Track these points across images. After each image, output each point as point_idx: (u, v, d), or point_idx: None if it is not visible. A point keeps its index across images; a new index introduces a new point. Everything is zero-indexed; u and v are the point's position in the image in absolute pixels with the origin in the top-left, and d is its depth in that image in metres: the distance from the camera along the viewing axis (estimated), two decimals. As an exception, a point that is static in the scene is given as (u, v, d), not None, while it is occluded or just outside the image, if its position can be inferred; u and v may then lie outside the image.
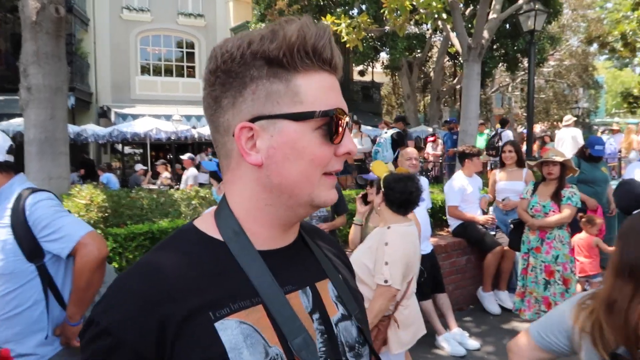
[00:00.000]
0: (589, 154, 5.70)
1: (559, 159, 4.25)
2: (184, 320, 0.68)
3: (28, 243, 1.83)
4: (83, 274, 1.86)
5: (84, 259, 1.86)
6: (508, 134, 11.87)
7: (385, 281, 2.62)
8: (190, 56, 19.98)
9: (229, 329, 0.70)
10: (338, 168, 0.78)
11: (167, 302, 0.69)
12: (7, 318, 1.83)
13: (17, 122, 11.66)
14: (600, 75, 29.04)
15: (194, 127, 15.47)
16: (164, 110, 16.10)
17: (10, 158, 1.95)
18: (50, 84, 4.94)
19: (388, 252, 2.66)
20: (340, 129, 0.76)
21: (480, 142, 10.62)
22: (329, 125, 0.75)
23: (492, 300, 5.22)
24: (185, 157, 11.05)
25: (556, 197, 4.25)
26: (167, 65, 19.67)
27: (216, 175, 2.93)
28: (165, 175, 11.69)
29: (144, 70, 19.20)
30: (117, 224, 4.10)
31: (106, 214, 4.11)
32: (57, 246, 1.85)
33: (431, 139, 12.79)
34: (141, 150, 19.08)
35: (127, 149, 19.83)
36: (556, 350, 1.49)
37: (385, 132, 10.07)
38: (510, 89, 26.90)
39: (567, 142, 9.52)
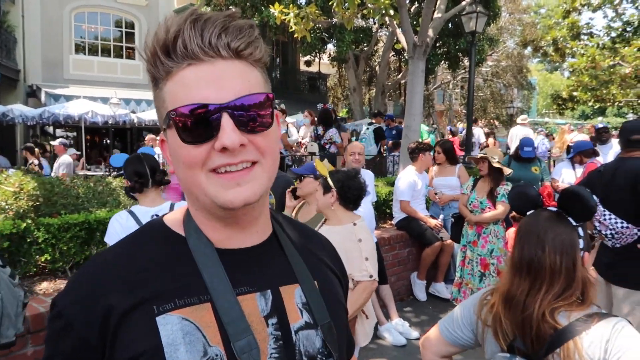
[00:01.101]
0: (519, 155, 6.08)
1: (496, 164, 4.45)
2: (128, 311, 0.70)
3: None
4: None
5: None
6: (480, 132, 12.41)
7: (371, 276, 2.69)
8: (130, 36, 19.04)
9: (169, 325, 0.70)
10: (219, 163, 0.71)
11: (117, 292, 0.71)
12: None
13: None
14: (533, 77, 30.66)
15: (133, 112, 14.81)
16: (101, 93, 15.28)
17: None
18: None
19: (364, 248, 2.70)
20: (189, 127, 0.70)
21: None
22: (178, 126, 0.71)
23: (422, 289, 5.47)
24: (56, 142, 10.16)
25: (491, 195, 4.47)
26: (104, 45, 18.64)
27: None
28: (33, 161, 10.57)
29: (79, 48, 18.08)
30: (49, 214, 3.86)
31: (37, 203, 3.85)
32: None
33: None
34: (75, 134, 18.07)
35: (59, 132, 18.69)
36: (463, 343, 1.59)
37: (367, 128, 10.24)
38: (451, 86, 27.80)
39: (519, 139, 10.12)
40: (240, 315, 0.73)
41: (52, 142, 10.39)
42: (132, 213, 2.63)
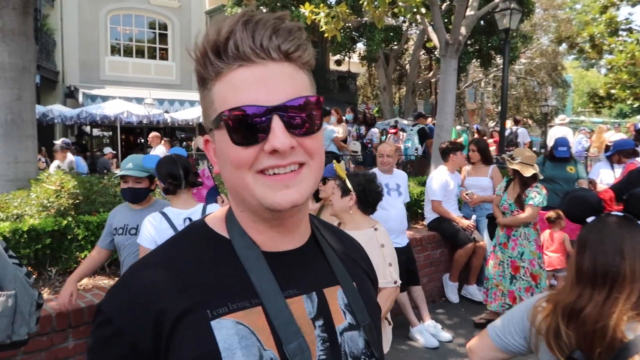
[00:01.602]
0: (553, 154, 5.93)
1: (525, 172, 4.29)
2: (181, 316, 0.69)
3: None
4: None
5: None
6: (524, 132, 12.06)
7: (395, 282, 2.65)
8: (163, 38, 19.43)
9: (225, 329, 0.70)
10: (268, 165, 0.71)
11: (167, 296, 0.70)
12: None
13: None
14: (569, 75, 29.81)
15: (167, 112, 15.12)
16: (135, 93, 15.65)
17: None
18: (16, 63, 4.73)
19: (387, 253, 2.67)
20: (239, 129, 0.70)
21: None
22: (228, 127, 0.71)
23: (455, 291, 5.40)
24: (58, 142, 9.74)
25: (519, 198, 4.38)
26: (138, 46, 19.09)
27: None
28: (41, 158, 10.61)
29: (114, 50, 18.57)
30: (89, 212, 3.97)
31: (77, 201, 3.97)
32: None
33: (392, 130, 11.92)
34: (110, 133, 18.56)
35: (96, 131, 19.24)
36: (514, 350, 1.53)
37: (411, 129, 10.25)
38: (483, 84, 27.31)
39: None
40: (290, 318, 0.73)
41: (55, 142, 10.10)
42: (164, 215, 2.62)
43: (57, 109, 13.56)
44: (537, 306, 1.46)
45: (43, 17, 16.11)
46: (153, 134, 11.02)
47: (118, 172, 3.07)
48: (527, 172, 4.29)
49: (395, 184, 4.67)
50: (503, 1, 8.68)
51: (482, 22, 15.97)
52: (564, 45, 24.68)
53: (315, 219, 0.94)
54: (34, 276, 3.31)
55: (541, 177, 4.50)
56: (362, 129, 9.01)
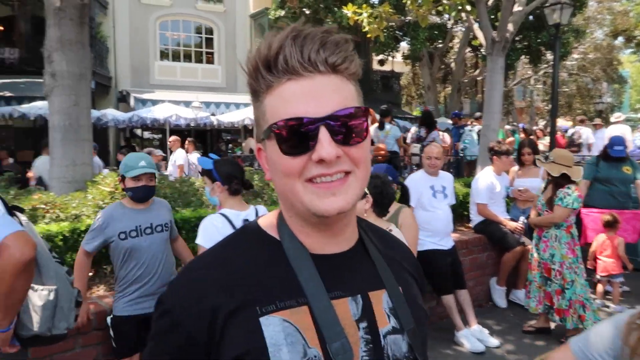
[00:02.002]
0: (608, 154, 5.68)
1: (552, 171, 4.24)
2: (234, 311, 0.74)
3: None
4: (3, 278, 1.71)
5: (4, 262, 1.70)
6: (587, 132, 11.57)
7: None
8: (209, 42, 19.93)
9: (272, 325, 0.74)
10: (315, 173, 0.74)
11: (222, 292, 0.76)
12: None
13: (38, 105, 11.75)
14: (625, 70, 28.33)
15: (213, 114, 15.49)
16: (184, 97, 16.13)
17: None
18: (74, 71, 4.97)
19: None
20: (288, 139, 0.74)
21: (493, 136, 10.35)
22: (278, 138, 0.75)
23: (502, 295, 5.26)
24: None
25: (550, 198, 4.28)
26: (186, 51, 19.67)
27: (211, 175, 2.74)
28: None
29: (163, 55, 19.21)
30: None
31: (129, 202, 4.13)
32: None
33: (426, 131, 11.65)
34: (160, 136, 19.20)
35: (146, 134, 19.97)
36: None
37: (470, 130, 10.11)
38: (532, 81, 26.39)
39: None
40: (335, 318, 0.77)
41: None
42: (225, 216, 2.64)
43: (111, 113, 14.15)
44: (631, 323, 1.36)
45: (97, 25, 16.87)
46: (173, 137, 11.31)
47: (134, 171, 2.86)
48: (555, 172, 4.21)
49: (440, 185, 4.58)
50: (553, -5, 8.39)
51: (530, 18, 15.47)
52: (620, 39, 23.54)
53: (365, 222, 0.96)
54: (91, 274, 3.47)
55: (577, 179, 4.31)
56: (422, 130, 8.94)
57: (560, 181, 4.24)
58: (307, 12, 16.56)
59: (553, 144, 8.88)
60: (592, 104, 25.45)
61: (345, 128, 0.75)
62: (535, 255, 4.43)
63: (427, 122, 8.61)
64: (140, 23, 18.17)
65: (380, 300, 0.84)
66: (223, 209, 2.72)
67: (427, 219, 4.45)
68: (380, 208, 2.79)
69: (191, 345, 0.74)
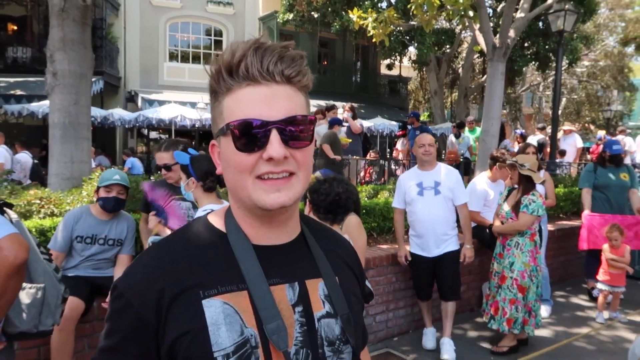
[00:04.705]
0: (609, 156, 5.64)
1: (535, 178, 4.15)
2: (178, 294, 0.82)
3: None
4: None
5: None
6: (629, 142, 11.59)
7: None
8: (218, 44, 20.10)
9: (213, 307, 0.82)
10: (264, 171, 0.82)
11: (169, 277, 0.83)
12: None
13: (46, 104, 11.89)
14: (636, 78, 28.04)
15: (219, 116, 15.57)
16: (191, 98, 16.28)
17: None
18: (75, 70, 5.08)
19: None
20: (243, 137, 0.82)
21: (469, 140, 10.49)
22: (234, 136, 0.83)
23: None
24: None
25: (516, 205, 4.18)
26: (195, 52, 19.85)
27: (187, 170, 2.79)
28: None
29: (172, 56, 19.40)
30: (133, 209, 4.20)
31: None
32: None
33: (399, 133, 11.28)
34: (166, 136, 19.37)
35: (153, 134, 20.16)
36: None
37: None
38: (541, 88, 26.24)
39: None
40: (272, 302, 0.84)
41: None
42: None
43: (117, 113, 14.31)
44: None
45: (108, 26, 17.10)
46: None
47: (107, 182, 3.20)
48: (538, 180, 4.19)
49: (432, 181, 4.12)
50: (557, 2, 8.36)
51: (540, 24, 15.41)
52: (632, 47, 23.33)
53: (310, 219, 1.06)
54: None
55: (538, 182, 4.26)
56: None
57: (530, 188, 4.18)
58: (315, 15, 16.65)
59: (554, 153, 8.85)
60: (601, 111, 25.23)
61: (293, 132, 0.83)
62: (495, 265, 4.30)
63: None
64: (150, 24, 18.38)
65: (317, 288, 0.92)
66: (206, 206, 2.76)
67: (410, 219, 4.26)
68: (317, 208, 2.76)
69: (141, 324, 0.82)
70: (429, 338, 4.33)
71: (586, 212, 5.62)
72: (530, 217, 4.09)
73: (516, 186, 4.33)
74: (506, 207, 4.30)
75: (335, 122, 7.84)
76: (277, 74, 0.83)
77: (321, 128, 7.69)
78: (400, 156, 10.66)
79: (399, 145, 11.12)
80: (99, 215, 3.30)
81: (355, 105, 10.07)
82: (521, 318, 4.08)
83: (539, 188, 5.25)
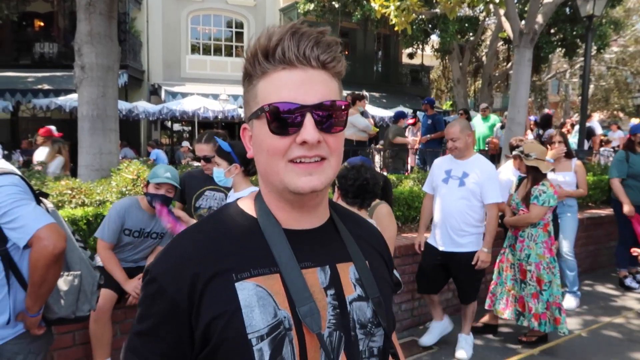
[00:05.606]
0: (635, 146, 5.48)
1: (542, 168, 4.02)
2: (212, 278, 0.83)
3: None
4: (36, 269, 1.78)
5: (37, 253, 1.76)
6: None
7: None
8: (239, 36, 20.15)
9: (246, 290, 0.83)
10: (297, 155, 0.83)
11: (201, 261, 0.84)
12: None
13: (73, 98, 12.16)
14: (668, 63, 27.11)
15: (241, 107, 15.69)
16: (213, 89, 16.40)
17: None
18: (102, 63, 5.16)
19: None
20: (277, 121, 0.83)
21: (482, 128, 10.06)
22: (268, 119, 0.83)
23: None
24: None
25: (527, 196, 4.07)
26: (216, 45, 19.95)
27: (229, 156, 2.87)
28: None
29: (194, 49, 19.54)
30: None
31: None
32: (15, 235, 1.77)
33: (410, 121, 10.38)
34: (190, 128, 19.60)
35: (177, 126, 20.40)
36: None
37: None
38: (567, 75, 25.61)
39: None
40: (304, 285, 0.85)
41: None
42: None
43: (142, 106, 14.52)
44: None
45: (130, 20, 17.31)
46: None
47: (157, 179, 3.23)
48: (546, 169, 4.04)
49: (461, 171, 3.82)
50: (586, -14, 8.12)
51: (567, 10, 15.02)
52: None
53: (337, 205, 1.06)
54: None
55: (547, 171, 4.07)
56: (540, 131, 9.29)
57: (539, 177, 4.04)
58: (336, 5, 16.54)
59: (583, 142, 8.64)
60: (631, 98, 24.50)
61: (327, 117, 0.84)
62: (510, 256, 4.21)
63: (545, 123, 9.25)
64: (172, 18, 18.53)
65: (347, 272, 0.93)
66: (242, 190, 2.81)
67: (435, 205, 4.03)
68: (346, 193, 2.79)
69: (175, 309, 0.83)
70: (435, 333, 4.18)
71: (629, 209, 5.39)
72: (542, 209, 3.98)
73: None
74: (517, 198, 4.18)
75: (400, 116, 8.99)
76: (313, 58, 0.83)
77: (353, 118, 7.32)
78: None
79: (409, 134, 9.99)
80: (148, 209, 3.32)
81: (376, 95, 9.99)
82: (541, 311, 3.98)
83: (570, 177, 5.16)
